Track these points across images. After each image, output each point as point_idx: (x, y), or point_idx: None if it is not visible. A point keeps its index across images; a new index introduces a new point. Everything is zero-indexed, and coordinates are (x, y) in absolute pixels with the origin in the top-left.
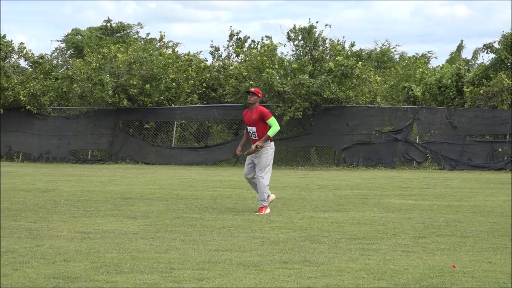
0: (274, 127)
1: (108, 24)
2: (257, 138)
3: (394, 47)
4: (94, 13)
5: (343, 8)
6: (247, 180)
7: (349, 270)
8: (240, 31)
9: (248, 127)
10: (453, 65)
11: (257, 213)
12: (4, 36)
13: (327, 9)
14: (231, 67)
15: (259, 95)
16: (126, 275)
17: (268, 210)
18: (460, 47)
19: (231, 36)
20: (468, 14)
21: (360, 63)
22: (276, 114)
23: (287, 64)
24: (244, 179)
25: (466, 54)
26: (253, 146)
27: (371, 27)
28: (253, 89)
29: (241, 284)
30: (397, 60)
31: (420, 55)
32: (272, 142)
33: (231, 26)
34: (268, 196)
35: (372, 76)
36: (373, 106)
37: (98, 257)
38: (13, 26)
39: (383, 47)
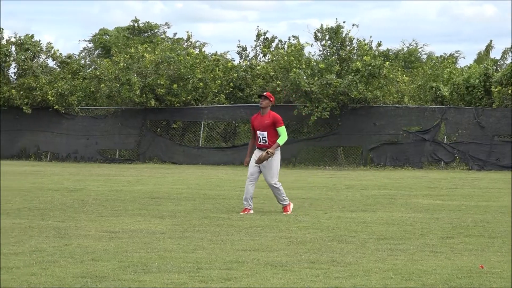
0: (284, 136)
1: (136, 24)
2: (267, 143)
3: (421, 47)
4: (121, 13)
5: (370, 8)
6: (248, 182)
7: (376, 270)
8: (267, 31)
9: (258, 132)
10: (481, 65)
11: (284, 213)
12: (32, 36)
13: (354, 8)
14: (258, 67)
15: (271, 99)
16: (153, 275)
17: (292, 205)
18: (488, 47)
19: (258, 36)
20: (496, 14)
21: (387, 63)
22: (303, 114)
23: (314, 64)
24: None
25: (495, 54)
26: (265, 153)
27: (398, 26)
28: (265, 93)
29: (268, 284)
30: (425, 60)
31: (447, 55)
32: (279, 147)
33: (258, 26)
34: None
35: (400, 76)
36: (400, 106)
37: (126, 256)
38: (40, 26)
39: (411, 47)
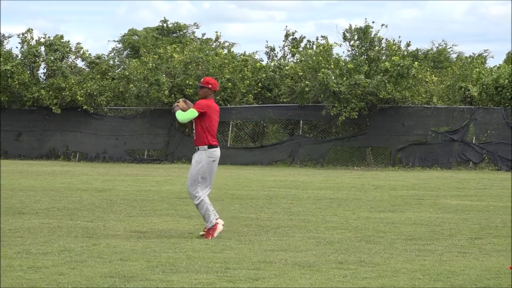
0: (184, 114)
1: (165, 25)
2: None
3: (450, 47)
4: (149, 13)
5: (398, 8)
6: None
7: (404, 270)
8: (295, 31)
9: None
10: (510, 65)
11: (205, 238)
12: (62, 36)
13: (382, 8)
14: (286, 67)
15: (210, 86)
16: (181, 275)
17: (218, 230)
18: None
19: (286, 36)
20: None
21: (416, 63)
22: (332, 114)
23: (343, 64)
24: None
25: None
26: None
27: (427, 26)
28: (202, 80)
29: (296, 284)
30: (454, 60)
31: (476, 55)
32: (212, 149)
33: (286, 26)
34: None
35: (428, 76)
36: (429, 106)
37: (154, 256)
38: (69, 26)
39: (440, 47)
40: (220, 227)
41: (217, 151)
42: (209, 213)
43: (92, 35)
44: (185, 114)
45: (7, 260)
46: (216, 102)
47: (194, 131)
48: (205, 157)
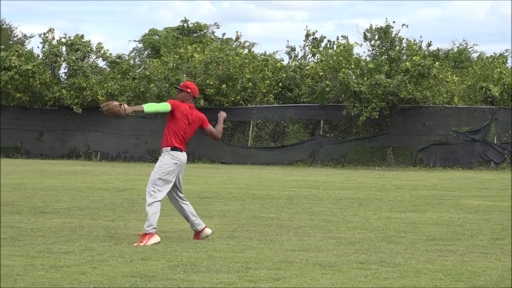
0: (152, 105)
1: (185, 25)
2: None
3: (471, 47)
4: (169, 13)
5: (419, 8)
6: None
7: (426, 271)
8: (316, 31)
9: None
10: None
11: (136, 244)
12: (82, 36)
13: (402, 8)
14: (307, 67)
15: (189, 90)
16: (202, 274)
17: (153, 240)
18: None
19: (307, 36)
20: None
21: (437, 63)
22: (353, 114)
23: (364, 64)
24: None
25: None
26: (122, 107)
27: (447, 26)
28: (181, 83)
29: (317, 284)
30: (475, 60)
31: (497, 54)
32: (175, 151)
33: (307, 26)
34: (198, 233)
35: (449, 76)
36: (450, 106)
37: (175, 255)
38: (89, 26)
39: (461, 47)
40: (157, 238)
41: (181, 155)
42: (155, 219)
43: (112, 35)
44: (157, 105)
45: (29, 259)
46: (237, 102)
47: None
48: (168, 158)
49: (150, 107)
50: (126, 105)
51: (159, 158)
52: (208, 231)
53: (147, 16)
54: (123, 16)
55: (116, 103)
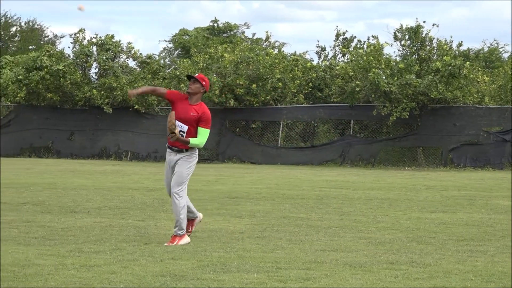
0: (202, 140)
1: (215, 25)
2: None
3: (502, 47)
4: (198, 13)
5: (449, 8)
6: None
7: (456, 271)
8: (346, 31)
9: (178, 121)
10: None
11: (167, 244)
12: (113, 36)
13: (433, 8)
14: (337, 67)
15: (204, 83)
16: (232, 274)
17: (185, 240)
18: None
19: (337, 36)
20: None
21: (467, 63)
22: (383, 114)
23: (394, 64)
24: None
25: None
26: (177, 130)
27: (478, 26)
28: (196, 74)
29: (347, 284)
30: (506, 59)
31: None
32: (197, 152)
33: (337, 26)
34: (193, 221)
35: (480, 76)
36: (481, 106)
37: (205, 255)
38: (119, 26)
39: (491, 47)
40: (188, 239)
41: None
42: (185, 221)
43: (142, 35)
44: (205, 138)
45: (60, 259)
46: (267, 102)
47: (185, 133)
48: (195, 158)
49: (197, 143)
50: (181, 137)
51: (184, 158)
52: (199, 216)
53: (177, 16)
54: (153, 16)
55: (176, 126)
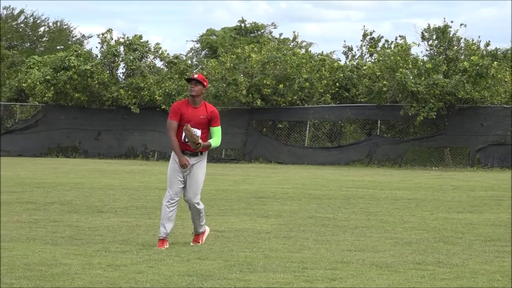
0: (218, 139)
1: (242, 25)
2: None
3: None
4: (225, 13)
5: (477, 7)
6: (169, 203)
7: (483, 272)
8: (373, 31)
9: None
10: None
11: (193, 244)
12: (141, 36)
13: (460, 8)
14: (364, 67)
15: (205, 84)
16: (259, 274)
17: (207, 232)
18: None
19: (364, 35)
20: None
21: (495, 62)
22: (410, 114)
23: (421, 64)
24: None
25: None
26: (199, 141)
27: (506, 25)
28: (196, 76)
29: (373, 284)
30: None
31: None
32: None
33: (364, 26)
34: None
35: (508, 76)
36: (508, 106)
37: (232, 255)
38: (146, 26)
39: None
40: (208, 229)
41: None
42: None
43: (169, 35)
44: (220, 135)
45: (87, 258)
46: (294, 102)
47: (195, 137)
48: (205, 159)
49: (216, 143)
50: (203, 143)
51: (198, 162)
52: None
53: (203, 16)
54: (180, 16)
55: (198, 136)
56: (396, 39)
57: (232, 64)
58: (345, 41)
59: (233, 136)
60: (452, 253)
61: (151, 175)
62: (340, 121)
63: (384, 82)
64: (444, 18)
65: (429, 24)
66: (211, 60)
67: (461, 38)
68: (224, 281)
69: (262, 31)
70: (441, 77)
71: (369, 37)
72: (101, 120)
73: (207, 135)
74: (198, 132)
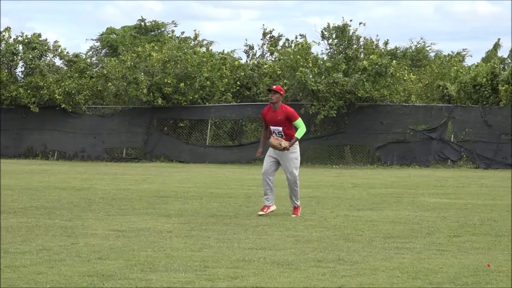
0: (302, 128)
1: (143, 23)
2: (284, 137)
3: (429, 46)
4: (115, 10)
5: (372, 6)
6: (265, 179)
7: (383, 268)
8: (273, 29)
9: (272, 127)
10: (488, 64)
11: (294, 215)
12: (39, 35)
13: (355, 7)
14: (265, 66)
15: (282, 92)
16: (160, 273)
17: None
18: (496, 46)
19: (264, 34)
20: (505, 12)
21: (394, 61)
22: (310, 112)
23: (321, 62)
24: (259, 176)
25: (503, 52)
26: (282, 143)
27: (403, 24)
28: (274, 87)
29: (275, 282)
30: (433, 58)
31: (455, 53)
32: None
33: (263, 25)
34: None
35: (407, 75)
36: (407, 104)
37: (133, 255)
38: (35, 24)
39: (418, 45)
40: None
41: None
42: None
43: (62, 33)
44: (302, 125)
45: None
46: (195, 101)
47: (281, 131)
48: (298, 147)
49: (301, 133)
50: (287, 145)
51: (295, 149)
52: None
53: (94, 14)
54: (70, 15)
55: (281, 145)
56: (296, 38)
57: (132, 63)
58: (246, 40)
59: (134, 135)
60: (353, 250)
61: (51, 174)
62: (241, 120)
63: (285, 81)
64: (343, 17)
65: (328, 23)
66: (112, 58)
67: (360, 37)
68: (125, 281)
69: (163, 29)
70: (341, 76)
71: (269, 35)
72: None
73: (289, 126)
74: (279, 129)
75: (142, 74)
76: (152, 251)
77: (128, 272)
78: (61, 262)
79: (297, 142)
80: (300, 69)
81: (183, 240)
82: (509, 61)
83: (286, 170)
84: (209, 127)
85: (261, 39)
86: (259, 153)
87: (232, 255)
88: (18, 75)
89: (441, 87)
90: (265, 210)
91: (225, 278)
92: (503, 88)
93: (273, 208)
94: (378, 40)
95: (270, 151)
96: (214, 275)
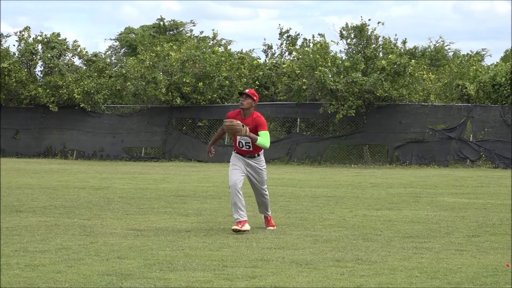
0: (265, 140)
1: (161, 23)
2: (251, 149)
3: (448, 45)
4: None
5: (392, 5)
6: (235, 193)
7: (402, 268)
8: (290, 28)
9: (239, 137)
10: (508, 63)
11: (271, 228)
12: (59, 34)
13: (374, 6)
14: (283, 65)
15: (255, 98)
16: (179, 273)
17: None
18: None
19: (281, 34)
20: None
21: (413, 61)
22: (329, 112)
23: (340, 62)
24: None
25: None
26: (244, 128)
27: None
28: (247, 90)
29: (293, 282)
30: (451, 58)
31: (474, 52)
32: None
33: (279, 24)
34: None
35: (425, 74)
36: (426, 104)
37: (151, 254)
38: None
39: (437, 45)
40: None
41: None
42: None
43: (81, 33)
44: (267, 139)
45: (5, 258)
46: (213, 100)
47: (249, 142)
48: (264, 162)
49: (263, 143)
50: (249, 133)
51: (262, 164)
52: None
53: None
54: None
55: (239, 122)
56: (313, 37)
57: (151, 62)
58: (265, 39)
59: (153, 134)
60: (371, 250)
61: (70, 174)
62: None
63: (304, 80)
64: (361, 17)
65: (347, 23)
66: (130, 58)
67: (379, 36)
68: (144, 280)
69: (181, 29)
70: (359, 75)
71: (286, 35)
72: (19, 118)
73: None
74: (247, 139)
75: (161, 73)
76: (171, 250)
77: (146, 271)
78: (80, 261)
79: (262, 154)
80: (319, 68)
81: (201, 240)
82: None
83: (258, 183)
84: None
85: (278, 39)
86: (212, 152)
87: (251, 255)
88: (38, 74)
89: (460, 87)
90: (239, 226)
91: (244, 277)
92: None
93: (247, 227)
94: (397, 39)
95: (235, 161)
96: (232, 275)
